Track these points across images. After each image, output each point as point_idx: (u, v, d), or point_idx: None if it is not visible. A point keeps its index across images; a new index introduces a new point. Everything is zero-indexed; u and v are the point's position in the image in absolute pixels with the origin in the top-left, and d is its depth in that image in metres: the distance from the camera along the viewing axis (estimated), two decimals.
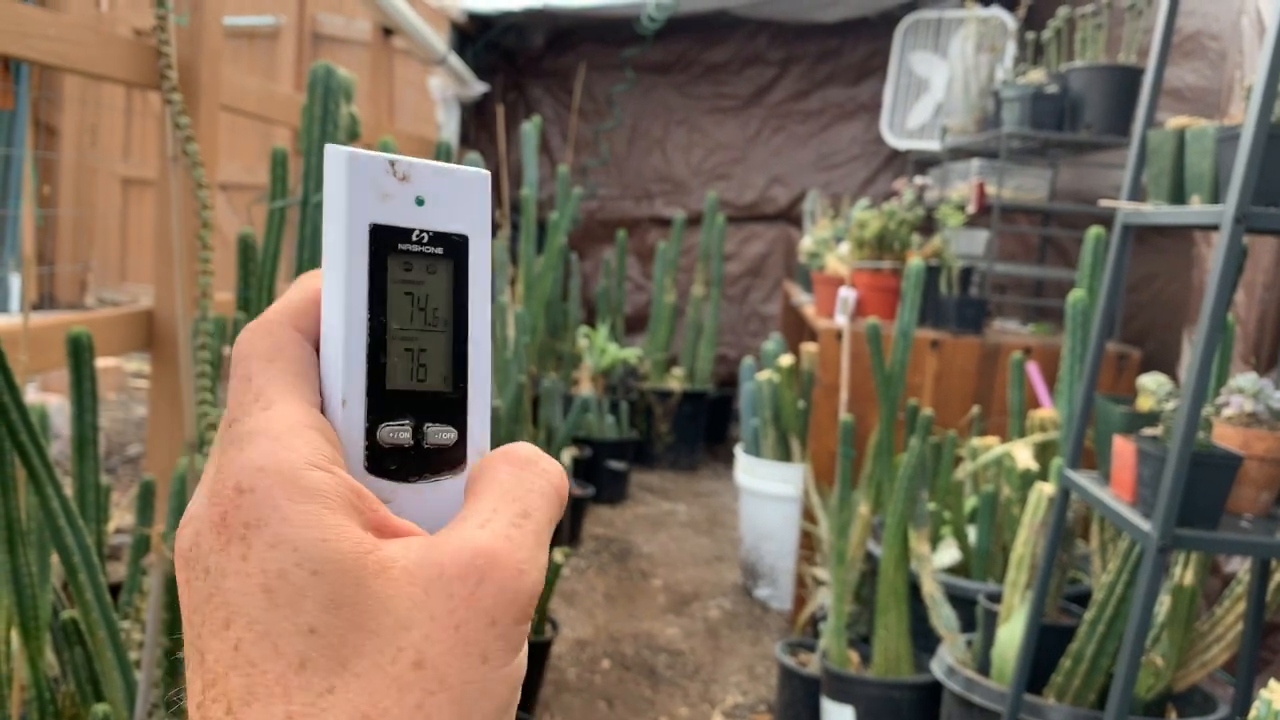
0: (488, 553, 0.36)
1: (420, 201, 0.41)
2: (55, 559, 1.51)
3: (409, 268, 0.41)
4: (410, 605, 0.35)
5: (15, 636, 1.45)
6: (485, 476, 0.40)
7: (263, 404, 0.38)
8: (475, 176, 0.42)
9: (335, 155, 0.40)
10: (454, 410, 0.42)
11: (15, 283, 3.48)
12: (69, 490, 1.49)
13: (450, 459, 0.42)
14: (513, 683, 0.36)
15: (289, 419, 0.38)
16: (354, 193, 0.40)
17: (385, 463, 0.40)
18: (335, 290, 0.40)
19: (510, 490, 0.39)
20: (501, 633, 0.36)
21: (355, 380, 0.40)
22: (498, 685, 0.36)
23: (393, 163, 0.40)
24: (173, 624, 1.59)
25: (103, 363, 5.20)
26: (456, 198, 0.42)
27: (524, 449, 0.41)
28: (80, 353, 1.51)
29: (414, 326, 0.41)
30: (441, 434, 0.41)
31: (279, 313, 0.41)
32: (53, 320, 1.99)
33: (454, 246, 0.42)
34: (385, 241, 0.40)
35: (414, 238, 0.41)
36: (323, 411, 0.40)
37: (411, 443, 0.41)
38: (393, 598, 0.35)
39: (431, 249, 0.41)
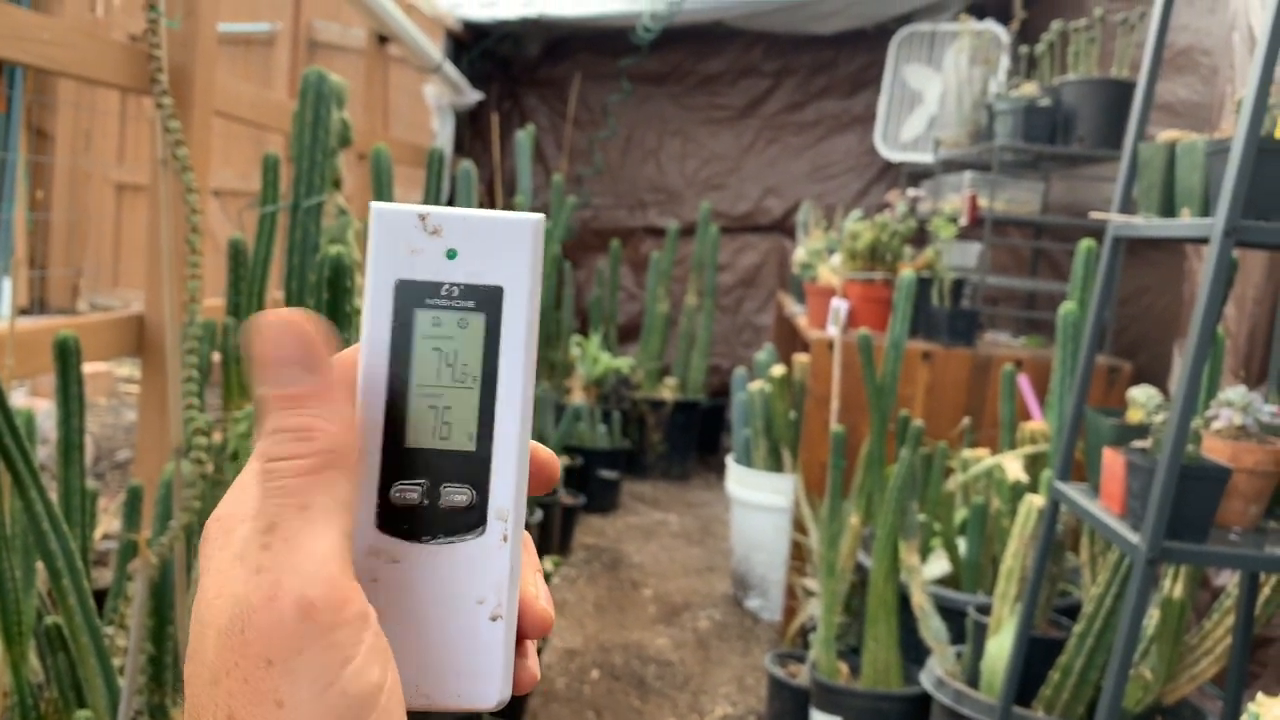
0: (239, 597, 0.35)
1: (452, 254, 0.40)
2: (40, 564, 1.50)
3: (438, 323, 0.40)
4: (216, 670, 0.35)
5: None
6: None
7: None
8: (516, 224, 0.41)
9: (374, 211, 0.40)
10: (476, 470, 0.41)
11: (6, 286, 3.48)
12: (54, 495, 1.48)
13: (466, 521, 0.41)
14: (349, 698, 0.35)
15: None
16: (381, 249, 0.40)
17: (396, 522, 0.40)
18: (365, 347, 0.40)
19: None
20: (287, 669, 0.35)
21: (372, 437, 0.40)
22: (317, 714, 0.35)
23: (423, 216, 0.40)
24: (157, 630, 1.58)
25: (93, 368, 5.18)
26: (493, 248, 0.41)
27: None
28: (67, 357, 1.50)
29: (440, 383, 0.40)
30: (457, 495, 0.40)
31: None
32: (41, 324, 1.98)
33: (487, 299, 0.41)
34: (412, 297, 0.40)
35: (443, 292, 0.40)
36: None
37: (424, 503, 0.40)
38: (212, 665, 0.35)
39: (462, 303, 0.40)
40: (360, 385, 0.40)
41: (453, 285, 0.40)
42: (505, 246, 0.41)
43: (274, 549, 0.36)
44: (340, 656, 0.35)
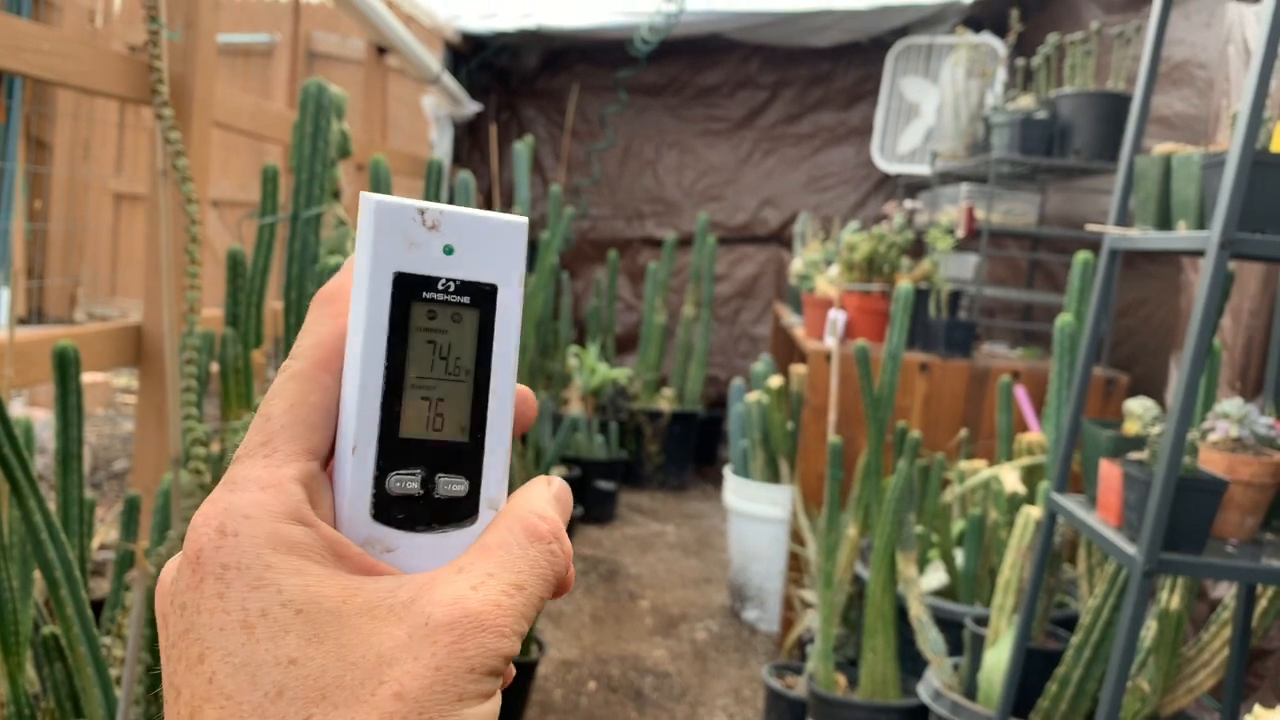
0: (475, 615, 0.37)
1: (449, 250, 0.41)
2: (37, 574, 1.50)
3: (433, 316, 0.41)
4: (394, 644, 0.36)
5: None
6: (496, 536, 0.40)
7: (267, 449, 0.39)
8: (510, 225, 0.42)
9: (366, 201, 0.40)
10: (469, 461, 0.42)
11: (4, 296, 3.48)
12: (52, 505, 1.48)
13: (460, 511, 0.41)
14: None
15: (281, 471, 0.39)
16: (380, 240, 0.40)
17: (392, 511, 0.40)
18: (357, 337, 0.40)
19: (514, 562, 0.39)
20: (477, 680, 0.37)
21: (367, 428, 0.40)
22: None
23: (422, 211, 0.40)
24: (154, 641, 1.58)
25: (91, 378, 5.18)
26: (488, 246, 0.41)
27: (546, 522, 0.41)
28: (66, 367, 1.50)
29: (434, 375, 0.41)
30: (453, 485, 0.41)
31: (314, 351, 0.41)
32: (40, 334, 1.98)
33: (482, 296, 0.42)
34: (409, 290, 0.40)
35: (440, 286, 0.41)
36: (331, 455, 0.41)
37: (420, 493, 0.41)
38: (376, 635, 0.36)
39: (458, 298, 0.41)
40: (356, 376, 0.40)
41: (449, 280, 0.41)
42: (500, 246, 0.42)
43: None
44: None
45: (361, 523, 0.40)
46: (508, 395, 0.42)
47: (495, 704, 0.38)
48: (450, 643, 0.36)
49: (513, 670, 0.40)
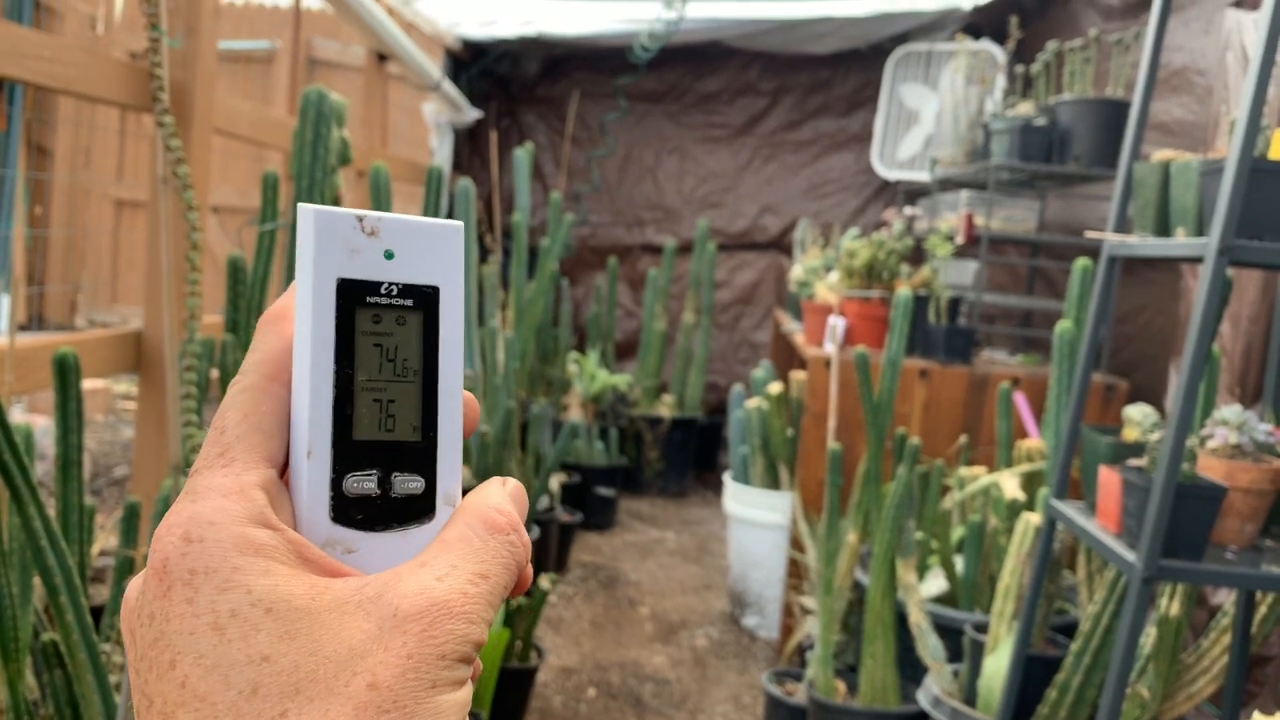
0: (443, 603, 0.38)
1: (390, 255, 0.42)
2: (37, 580, 1.50)
3: (378, 320, 0.42)
4: (365, 637, 0.37)
5: None
6: (456, 531, 0.41)
7: (225, 460, 0.40)
8: (447, 228, 0.43)
9: (304, 213, 0.41)
10: (423, 459, 0.42)
11: (4, 303, 3.48)
12: (52, 511, 1.48)
13: (418, 509, 0.42)
14: (462, 709, 0.38)
15: (242, 478, 0.39)
16: (321, 249, 0.41)
17: (351, 513, 0.41)
18: (304, 345, 0.41)
19: (476, 552, 0.40)
20: (449, 666, 0.37)
21: (321, 432, 0.41)
22: (448, 706, 0.37)
23: (361, 218, 0.41)
24: None
25: (91, 384, 5.18)
26: (428, 250, 0.43)
27: (504, 516, 0.42)
28: (66, 373, 1.50)
29: (383, 377, 0.42)
30: (409, 483, 0.42)
31: (263, 365, 0.42)
32: (40, 341, 1.98)
33: (424, 298, 0.42)
34: (353, 295, 0.41)
35: (383, 290, 0.42)
36: (287, 463, 0.41)
37: (378, 493, 0.41)
38: (347, 629, 0.37)
39: (401, 301, 0.42)
40: (307, 382, 0.41)
41: (392, 284, 0.42)
42: (438, 249, 0.43)
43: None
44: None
45: (321, 525, 0.41)
46: (456, 393, 0.43)
47: (467, 692, 0.38)
48: (419, 631, 0.37)
49: (480, 664, 0.40)
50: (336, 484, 0.41)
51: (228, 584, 0.36)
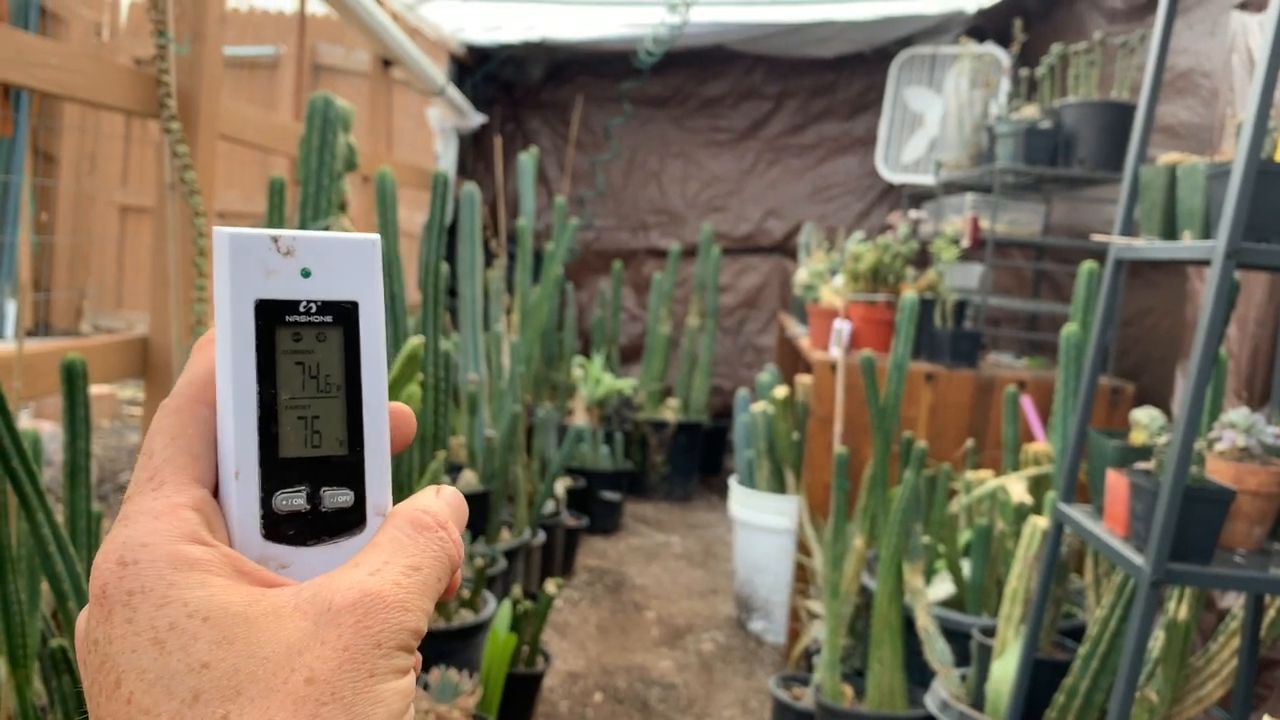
0: (375, 593, 0.39)
1: (306, 273, 0.42)
2: (45, 586, 1.50)
3: (298, 338, 0.42)
4: (300, 635, 0.37)
5: (3, 664, 1.44)
6: (385, 534, 0.42)
7: (154, 484, 0.40)
8: (363, 243, 0.43)
9: (219, 236, 0.42)
10: (351, 473, 0.43)
11: (10, 309, 3.49)
12: (60, 517, 1.48)
13: (349, 521, 0.43)
14: (405, 696, 0.38)
15: (173, 500, 0.40)
16: (237, 271, 0.41)
17: (283, 529, 0.41)
18: (225, 366, 0.41)
19: (406, 549, 0.41)
20: (386, 655, 0.38)
21: (247, 452, 0.41)
22: (389, 694, 0.38)
23: (275, 239, 0.42)
24: None
25: (97, 390, 5.19)
26: (345, 266, 0.43)
27: (430, 515, 0.42)
28: (74, 379, 1.51)
29: (306, 394, 0.42)
30: (338, 497, 0.43)
31: (188, 388, 0.43)
32: (47, 347, 1.99)
33: (343, 313, 0.43)
34: (272, 315, 0.42)
35: (301, 309, 0.42)
36: (218, 485, 0.42)
37: (308, 508, 0.42)
38: (284, 630, 0.37)
39: (321, 318, 0.42)
40: (230, 404, 0.41)
41: (310, 302, 0.42)
42: (355, 264, 0.43)
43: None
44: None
45: (254, 543, 0.41)
46: (381, 405, 0.44)
47: (410, 681, 0.39)
48: (354, 623, 0.38)
49: (419, 658, 0.41)
50: (266, 502, 0.41)
51: (165, 600, 0.37)
